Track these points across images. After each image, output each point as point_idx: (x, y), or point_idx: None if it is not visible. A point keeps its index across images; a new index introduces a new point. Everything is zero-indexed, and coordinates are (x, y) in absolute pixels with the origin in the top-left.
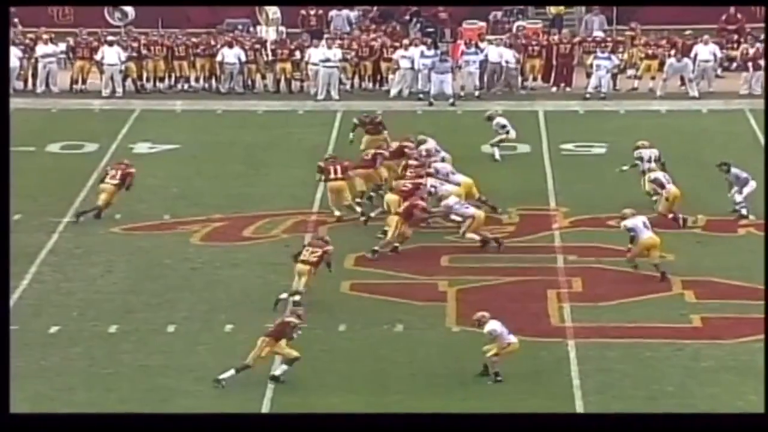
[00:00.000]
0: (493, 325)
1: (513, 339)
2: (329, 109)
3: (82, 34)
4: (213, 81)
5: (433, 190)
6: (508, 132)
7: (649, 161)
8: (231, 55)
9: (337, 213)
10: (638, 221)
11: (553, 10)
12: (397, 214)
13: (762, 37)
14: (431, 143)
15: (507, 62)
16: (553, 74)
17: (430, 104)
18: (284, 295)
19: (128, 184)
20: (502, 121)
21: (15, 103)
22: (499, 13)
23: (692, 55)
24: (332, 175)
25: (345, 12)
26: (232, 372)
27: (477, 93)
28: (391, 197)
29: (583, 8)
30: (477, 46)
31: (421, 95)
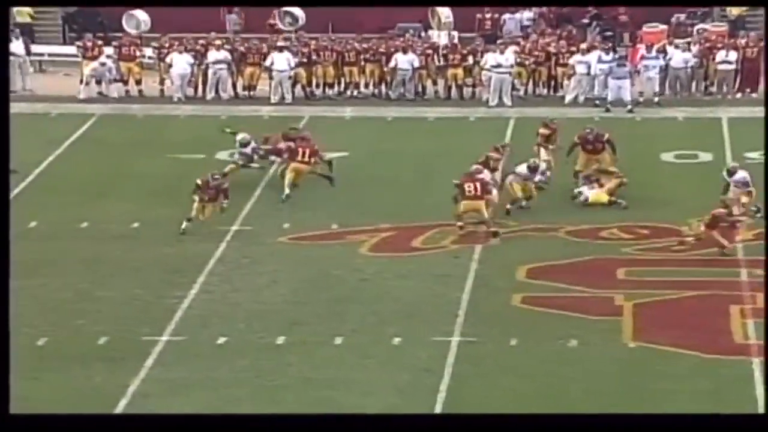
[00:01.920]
0: None
1: None
2: (502, 116)
3: (250, 41)
4: (383, 87)
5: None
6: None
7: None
8: (404, 61)
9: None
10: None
11: (734, 11)
12: (479, 198)
13: None
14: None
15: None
16: (738, 79)
17: (607, 111)
18: None
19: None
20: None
21: (185, 110)
22: (683, 16)
23: None
24: (299, 157)
25: (518, 15)
26: None
27: (656, 99)
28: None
29: None
30: (664, 51)
31: (597, 101)
